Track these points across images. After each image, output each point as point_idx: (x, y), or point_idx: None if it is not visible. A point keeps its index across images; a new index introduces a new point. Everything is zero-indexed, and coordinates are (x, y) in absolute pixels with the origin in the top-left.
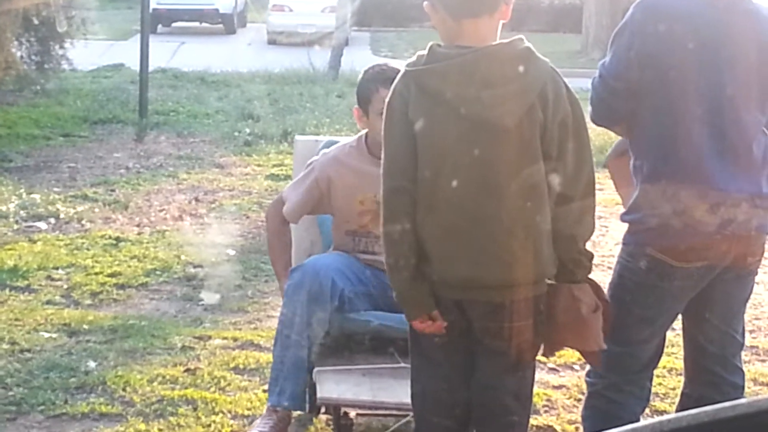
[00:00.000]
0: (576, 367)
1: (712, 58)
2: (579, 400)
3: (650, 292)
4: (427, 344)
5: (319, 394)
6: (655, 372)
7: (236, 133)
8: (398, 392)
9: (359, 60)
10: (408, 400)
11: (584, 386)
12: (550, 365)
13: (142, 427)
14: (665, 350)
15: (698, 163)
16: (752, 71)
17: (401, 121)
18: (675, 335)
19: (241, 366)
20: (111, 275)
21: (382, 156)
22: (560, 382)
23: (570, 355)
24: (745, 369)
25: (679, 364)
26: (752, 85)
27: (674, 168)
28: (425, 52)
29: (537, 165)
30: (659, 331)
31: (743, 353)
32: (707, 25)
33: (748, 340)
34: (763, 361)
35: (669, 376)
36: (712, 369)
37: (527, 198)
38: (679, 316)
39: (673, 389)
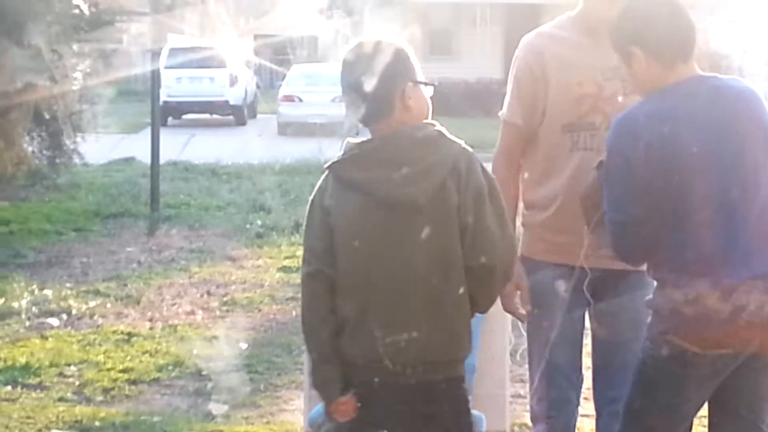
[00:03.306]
0: None
1: (717, 159)
2: None
3: (673, 379)
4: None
5: None
6: None
7: (248, 226)
8: None
9: None
10: None
11: None
12: None
13: None
14: None
15: (709, 257)
16: (759, 154)
17: (318, 211)
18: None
19: None
20: (123, 371)
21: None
22: None
23: None
24: None
25: None
26: (760, 168)
27: (684, 263)
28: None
29: (453, 242)
30: (683, 421)
31: None
32: (709, 125)
33: None
34: None
35: None
36: None
37: (442, 275)
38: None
39: None
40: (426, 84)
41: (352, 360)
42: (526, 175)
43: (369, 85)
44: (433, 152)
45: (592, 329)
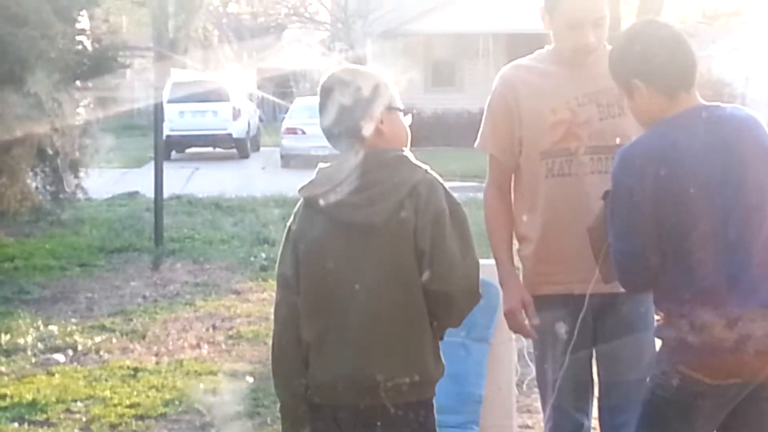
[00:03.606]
0: None
1: (715, 198)
2: None
3: (683, 410)
4: None
5: None
6: None
7: (252, 258)
8: None
9: None
10: None
11: None
12: None
13: None
14: None
15: (714, 287)
16: (764, 182)
17: (290, 237)
18: None
19: None
20: (130, 406)
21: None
22: None
23: None
24: None
25: None
26: (765, 197)
27: (690, 293)
28: None
29: (410, 264)
30: None
31: None
32: (706, 165)
33: None
34: None
35: None
36: None
37: (401, 297)
38: None
39: None
40: (403, 111)
41: (314, 383)
42: (514, 206)
43: (341, 109)
44: (394, 175)
45: (597, 370)
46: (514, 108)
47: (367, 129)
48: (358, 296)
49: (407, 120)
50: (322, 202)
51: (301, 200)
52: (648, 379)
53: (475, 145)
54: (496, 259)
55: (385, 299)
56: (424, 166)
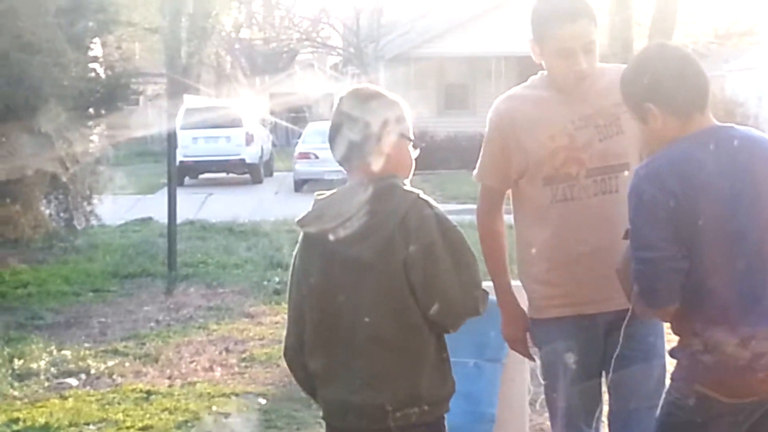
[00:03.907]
0: None
1: (725, 226)
2: None
3: (699, 429)
4: None
5: None
6: None
7: (265, 282)
8: None
9: None
10: None
11: None
12: None
13: None
14: None
15: (728, 307)
16: None
17: (293, 272)
18: None
19: None
20: (142, 429)
21: None
22: None
23: None
24: None
25: None
26: None
27: (704, 313)
28: None
29: (405, 296)
30: None
31: None
32: (717, 192)
33: None
34: None
35: None
36: None
37: (400, 328)
38: None
39: None
40: (413, 141)
41: (324, 409)
42: (519, 232)
43: (349, 126)
44: (384, 205)
45: (608, 398)
46: (511, 139)
47: (373, 151)
48: (358, 328)
49: (415, 152)
50: (317, 236)
51: (301, 233)
52: (663, 399)
53: (474, 176)
54: (495, 283)
55: (386, 330)
56: (416, 191)
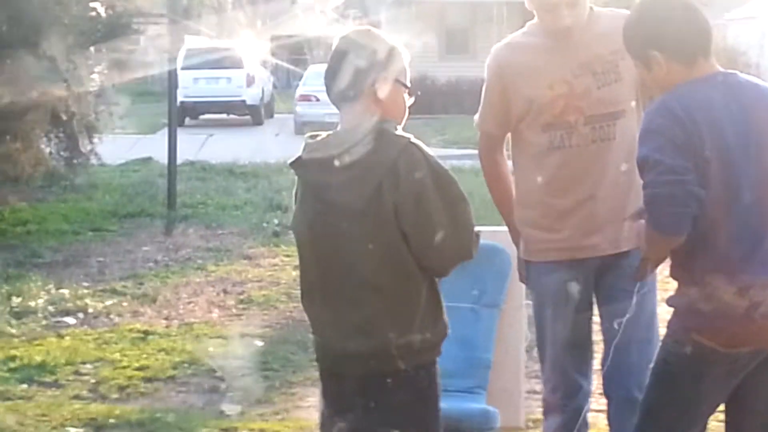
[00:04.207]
0: None
1: (730, 163)
2: None
3: (694, 377)
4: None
5: None
6: None
7: (264, 224)
8: None
9: None
10: None
11: None
12: None
13: None
14: None
15: (726, 255)
16: None
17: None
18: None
19: None
20: (139, 369)
21: None
22: None
23: None
24: None
25: None
26: None
27: (701, 260)
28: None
29: (397, 243)
30: (701, 418)
31: None
32: (723, 129)
33: None
34: None
35: None
36: None
37: (392, 276)
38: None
39: None
40: (408, 89)
41: (318, 352)
42: (517, 177)
43: (345, 64)
44: (374, 152)
45: (602, 330)
46: (510, 87)
47: (365, 92)
48: (351, 275)
49: (410, 100)
50: (311, 180)
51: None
52: (659, 348)
53: (474, 123)
54: (505, 222)
55: (378, 277)
56: (407, 136)
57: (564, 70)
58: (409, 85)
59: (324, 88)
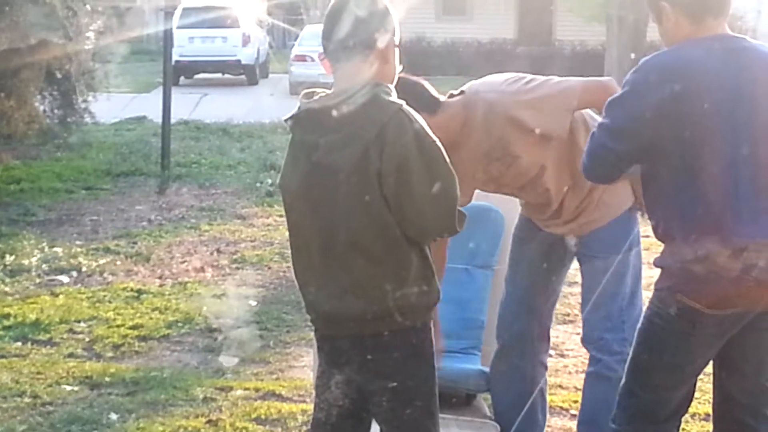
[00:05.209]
0: None
1: (728, 116)
2: None
3: (680, 338)
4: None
5: None
6: None
7: (258, 184)
8: None
9: None
10: None
11: None
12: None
13: None
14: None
15: (719, 218)
16: None
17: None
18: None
19: (263, 417)
20: (133, 327)
21: None
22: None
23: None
24: None
25: (702, 408)
26: None
27: (694, 221)
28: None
29: (380, 208)
30: (688, 379)
31: None
32: (721, 83)
33: None
34: None
35: (692, 422)
36: (742, 419)
37: (376, 239)
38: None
39: None
40: (397, 47)
41: (311, 315)
42: None
43: (345, 14)
44: (363, 117)
45: (582, 284)
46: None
47: (359, 50)
48: (336, 234)
49: (399, 66)
50: (298, 141)
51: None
52: (645, 308)
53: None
54: None
55: (363, 237)
56: (399, 102)
57: (475, 164)
58: (397, 43)
59: (320, 48)
